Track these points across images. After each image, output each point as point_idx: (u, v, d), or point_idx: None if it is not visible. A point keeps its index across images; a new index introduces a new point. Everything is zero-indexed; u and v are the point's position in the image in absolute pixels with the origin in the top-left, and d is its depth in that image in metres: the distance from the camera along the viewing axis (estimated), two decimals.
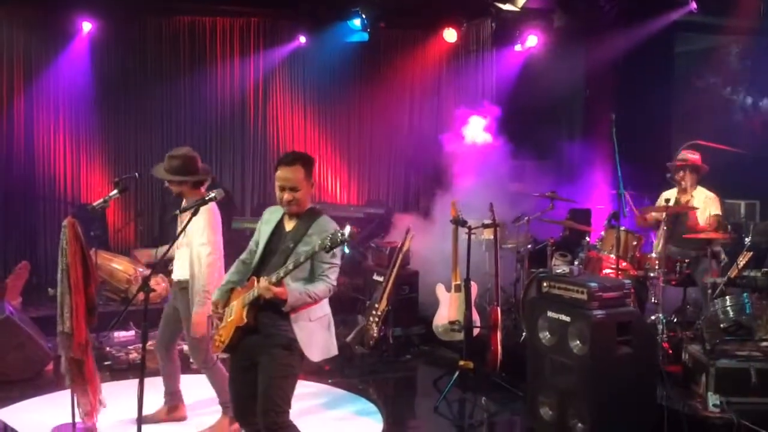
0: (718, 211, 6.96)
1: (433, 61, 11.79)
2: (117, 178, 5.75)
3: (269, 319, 4.02)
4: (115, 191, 5.72)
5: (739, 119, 10.35)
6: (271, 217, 4.30)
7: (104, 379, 6.75)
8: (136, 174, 8.29)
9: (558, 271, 5.74)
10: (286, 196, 4.13)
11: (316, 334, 4.10)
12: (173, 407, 5.71)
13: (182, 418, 5.73)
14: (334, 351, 4.22)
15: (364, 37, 10.79)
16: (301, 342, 4.02)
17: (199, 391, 5.97)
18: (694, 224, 6.83)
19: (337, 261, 4.07)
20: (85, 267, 5.10)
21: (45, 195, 10.12)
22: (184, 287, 5.24)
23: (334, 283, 4.04)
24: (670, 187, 7.23)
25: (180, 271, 5.32)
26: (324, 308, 4.16)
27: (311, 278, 4.02)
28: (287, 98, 11.62)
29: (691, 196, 7.04)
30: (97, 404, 5.27)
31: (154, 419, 5.57)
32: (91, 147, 10.37)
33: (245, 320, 4.00)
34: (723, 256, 7.02)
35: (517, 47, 10.80)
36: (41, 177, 10.06)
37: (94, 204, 5.58)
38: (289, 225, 4.15)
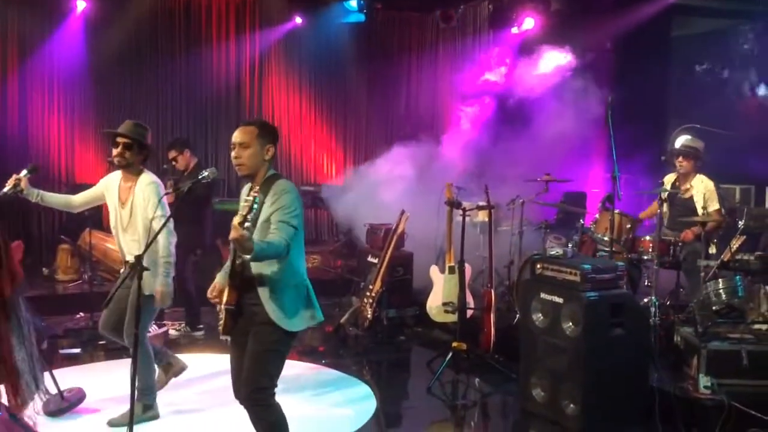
0: (717, 205, 6.93)
1: (430, 43, 11.76)
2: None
3: (250, 298, 3.96)
4: (24, 171, 5.36)
5: (735, 104, 10.34)
6: (244, 191, 4.21)
7: (98, 359, 6.82)
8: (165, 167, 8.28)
9: (552, 252, 5.74)
10: (234, 153, 4.04)
11: (290, 303, 3.94)
12: (167, 366, 5.59)
13: (183, 368, 5.64)
14: (315, 320, 4.07)
15: (361, 17, 10.78)
16: (270, 311, 3.89)
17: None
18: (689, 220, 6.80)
19: (289, 218, 3.85)
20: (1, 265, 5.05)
21: (39, 174, 10.05)
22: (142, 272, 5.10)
23: (286, 239, 3.81)
24: (668, 171, 7.21)
25: (134, 253, 5.04)
26: (296, 276, 4.00)
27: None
28: (283, 78, 11.60)
29: (690, 184, 7.01)
30: (18, 403, 5.13)
31: (159, 386, 5.48)
32: (86, 126, 10.35)
33: (228, 300, 3.96)
34: (715, 240, 7.01)
35: (514, 30, 10.77)
36: (35, 156, 10.02)
37: (5, 189, 5.29)
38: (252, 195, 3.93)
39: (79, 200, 5.40)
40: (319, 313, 4.09)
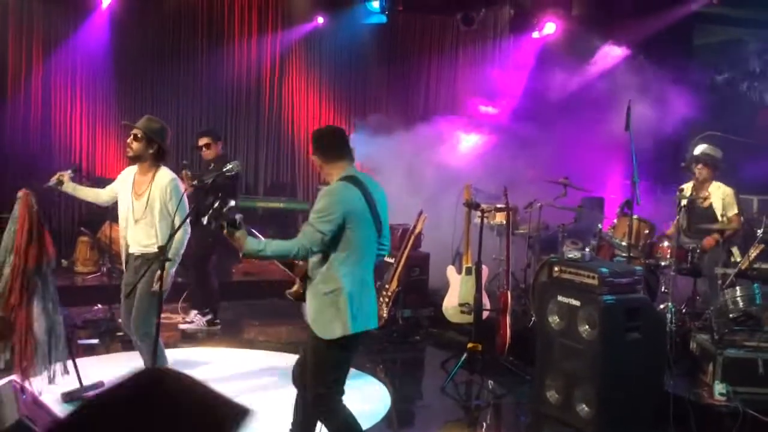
0: (736, 210, 6.93)
1: (450, 46, 11.79)
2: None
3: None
4: (69, 171, 5.65)
5: (754, 113, 10.31)
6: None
7: (115, 350, 6.88)
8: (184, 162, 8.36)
9: (570, 255, 5.76)
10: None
11: (324, 310, 4.00)
12: None
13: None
14: (337, 332, 3.95)
15: (382, 19, 10.81)
16: (309, 318, 4.02)
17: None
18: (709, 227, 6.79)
19: (315, 222, 3.94)
20: (32, 237, 5.19)
21: (62, 167, 10.15)
22: (149, 258, 5.15)
23: (304, 244, 3.91)
24: (687, 179, 7.21)
25: (143, 244, 5.27)
26: (332, 282, 3.98)
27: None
28: (303, 78, 11.65)
29: (708, 192, 7.00)
30: (23, 365, 5.24)
31: None
32: (108, 120, 10.43)
33: (295, 291, 4.21)
34: (735, 250, 6.99)
35: (535, 34, 10.79)
36: (58, 148, 10.13)
37: (49, 183, 5.57)
38: None
39: (106, 194, 5.60)
40: (355, 324, 3.97)
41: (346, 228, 3.92)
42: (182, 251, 5.19)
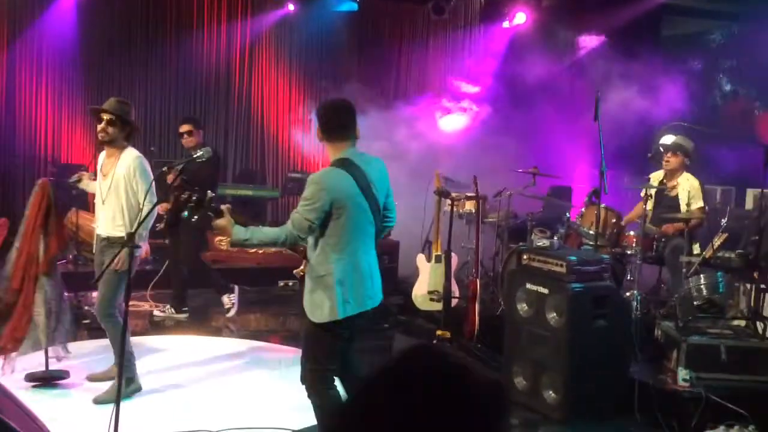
0: (701, 203, 7.02)
1: (421, 34, 11.79)
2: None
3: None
4: (91, 173, 5.72)
5: (720, 106, 10.46)
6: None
7: (82, 337, 6.81)
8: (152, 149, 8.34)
9: (539, 244, 5.80)
10: None
11: (314, 294, 4.03)
12: (128, 380, 5.54)
13: (138, 389, 5.51)
14: (325, 316, 3.98)
15: (353, 7, 10.77)
16: (304, 300, 4.07)
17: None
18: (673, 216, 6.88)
19: (303, 210, 3.95)
20: (44, 224, 5.23)
21: (25, 152, 10.05)
22: (113, 242, 5.17)
23: (291, 231, 3.93)
24: (655, 168, 7.29)
25: (109, 226, 5.26)
26: (324, 267, 3.98)
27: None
28: (273, 66, 11.59)
29: (677, 182, 7.08)
30: (6, 344, 5.30)
31: (106, 376, 5.53)
32: (74, 107, 10.31)
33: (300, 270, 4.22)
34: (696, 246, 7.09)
35: (505, 24, 10.83)
36: (22, 134, 10.00)
37: (72, 179, 5.69)
38: None
39: None
40: (344, 308, 3.98)
41: (335, 214, 3.92)
42: (145, 233, 5.10)
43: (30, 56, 9.97)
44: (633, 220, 7.19)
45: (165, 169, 4.97)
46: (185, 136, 7.69)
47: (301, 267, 4.20)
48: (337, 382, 4.20)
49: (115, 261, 4.80)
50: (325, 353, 4.11)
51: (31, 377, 5.45)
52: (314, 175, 4.03)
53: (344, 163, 3.99)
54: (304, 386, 4.13)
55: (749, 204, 9.44)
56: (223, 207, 3.84)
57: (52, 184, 5.46)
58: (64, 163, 10.17)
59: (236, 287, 7.78)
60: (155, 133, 10.86)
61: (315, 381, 4.09)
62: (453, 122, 10.01)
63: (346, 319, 4.01)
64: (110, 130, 5.19)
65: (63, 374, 5.54)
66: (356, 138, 4.11)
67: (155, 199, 5.05)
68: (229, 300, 7.74)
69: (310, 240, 4.00)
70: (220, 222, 3.82)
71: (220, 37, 11.10)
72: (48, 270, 5.32)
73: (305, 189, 3.95)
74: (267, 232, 3.96)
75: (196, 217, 3.79)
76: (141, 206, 5.02)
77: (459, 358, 1.33)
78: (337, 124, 4.06)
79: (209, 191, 3.85)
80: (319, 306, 3.99)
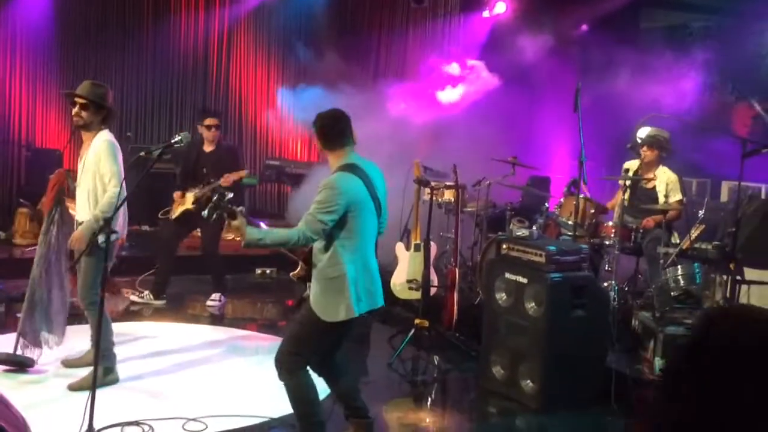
0: (680, 195, 7.03)
1: (400, 23, 11.74)
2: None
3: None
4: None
5: (698, 99, 10.51)
6: None
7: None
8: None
9: (518, 233, 5.81)
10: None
11: (328, 294, 4.10)
12: (106, 370, 5.50)
13: (116, 380, 5.43)
14: (341, 315, 4.07)
15: None
16: (312, 298, 4.14)
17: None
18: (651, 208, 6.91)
19: (316, 213, 4.02)
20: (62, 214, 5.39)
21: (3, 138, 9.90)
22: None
23: (305, 232, 4.00)
24: (631, 157, 7.31)
25: (84, 210, 5.22)
26: (336, 268, 4.08)
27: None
28: (251, 51, 11.52)
29: (654, 175, 7.09)
30: None
31: (82, 362, 5.47)
32: (49, 90, 10.16)
33: (297, 272, 4.38)
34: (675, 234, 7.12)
35: (485, 13, 10.81)
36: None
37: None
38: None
39: None
40: (359, 306, 4.11)
41: (349, 216, 4.06)
42: (110, 214, 4.86)
43: (3, 38, 9.79)
44: (614, 206, 7.21)
45: (143, 153, 4.88)
46: (212, 129, 7.63)
47: (298, 269, 4.33)
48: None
49: (70, 240, 4.98)
50: (318, 346, 4.23)
51: None
52: (329, 179, 4.11)
53: (352, 168, 4.14)
54: (276, 367, 4.20)
55: (724, 196, 9.53)
56: (237, 209, 3.94)
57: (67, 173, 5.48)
58: (38, 147, 10.03)
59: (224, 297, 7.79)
60: (131, 118, 10.74)
61: (294, 366, 4.17)
62: (432, 109, 9.97)
63: (359, 317, 4.16)
64: (84, 114, 5.14)
65: (28, 361, 5.43)
66: (354, 143, 4.26)
67: (122, 182, 4.98)
68: (218, 299, 7.70)
69: (319, 243, 4.09)
70: (236, 223, 3.91)
71: (198, 22, 10.99)
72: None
73: (318, 192, 4.04)
74: (281, 233, 4.08)
75: (214, 217, 3.91)
76: (105, 190, 5.03)
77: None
78: (337, 132, 4.20)
79: (228, 192, 3.94)
80: (334, 306, 4.09)
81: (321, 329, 4.15)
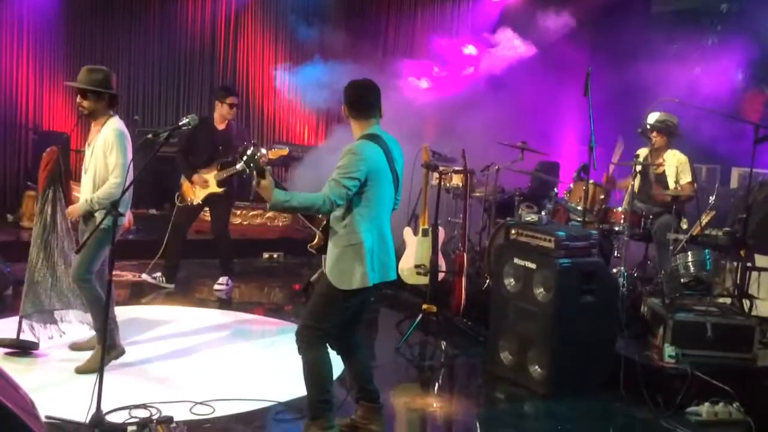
0: (690, 177, 6.97)
1: (409, 8, 11.67)
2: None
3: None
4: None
5: (708, 84, 10.41)
6: None
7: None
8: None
9: (527, 219, 5.77)
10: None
11: (343, 262, 4.09)
12: (109, 347, 5.49)
13: (122, 352, 5.45)
14: (355, 284, 4.07)
15: None
16: (327, 267, 4.14)
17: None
18: (661, 193, 6.85)
19: (339, 178, 4.02)
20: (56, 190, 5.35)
21: (6, 120, 9.87)
22: (91, 213, 5.11)
23: (330, 197, 3.98)
24: (643, 144, 7.25)
25: (85, 196, 5.18)
26: (354, 236, 4.08)
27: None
28: (258, 35, 11.47)
29: (663, 159, 7.03)
30: None
31: (89, 345, 5.46)
32: (56, 73, 10.12)
33: (315, 243, 4.48)
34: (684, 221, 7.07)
35: None
36: (2, 101, 9.81)
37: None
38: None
39: None
40: (373, 276, 4.11)
41: (368, 184, 4.06)
42: (107, 201, 4.84)
43: (10, 21, 9.75)
44: (624, 188, 7.13)
45: (150, 136, 4.84)
46: (234, 108, 7.63)
47: (316, 240, 4.35)
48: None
49: (67, 212, 5.06)
50: (333, 316, 4.21)
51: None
52: (351, 145, 4.11)
53: (375, 138, 4.14)
54: (296, 341, 4.22)
55: (734, 183, 9.45)
56: (266, 168, 3.91)
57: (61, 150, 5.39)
58: (45, 130, 10.02)
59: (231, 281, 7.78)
60: (138, 101, 10.71)
61: (313, 339, 4.18)
62: (440, 94, 9.92)
63: (370, 288, 4.15)
64: (85, 103, 5.10)
65: (32, 345, 5.41)
66: (380, 117, 4.25)
67: (128, 171, 4.95)
68: (226, 283, 7.70)
69: (338, 211, 4.09)
70: (264, 182, 3.89)
71: (205, 4, 10.95)
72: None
73: (340, 158, 4.04)
74: (307, 196, 4.04)
75: (247, 170, 3.88)
76: (108, 178, 5.00)
77: None
78: (366, 103, 4.21)
79: (263, 149, 3.89)
80: (349, 274, 4.09)
81: (336, 299, 4.14)
